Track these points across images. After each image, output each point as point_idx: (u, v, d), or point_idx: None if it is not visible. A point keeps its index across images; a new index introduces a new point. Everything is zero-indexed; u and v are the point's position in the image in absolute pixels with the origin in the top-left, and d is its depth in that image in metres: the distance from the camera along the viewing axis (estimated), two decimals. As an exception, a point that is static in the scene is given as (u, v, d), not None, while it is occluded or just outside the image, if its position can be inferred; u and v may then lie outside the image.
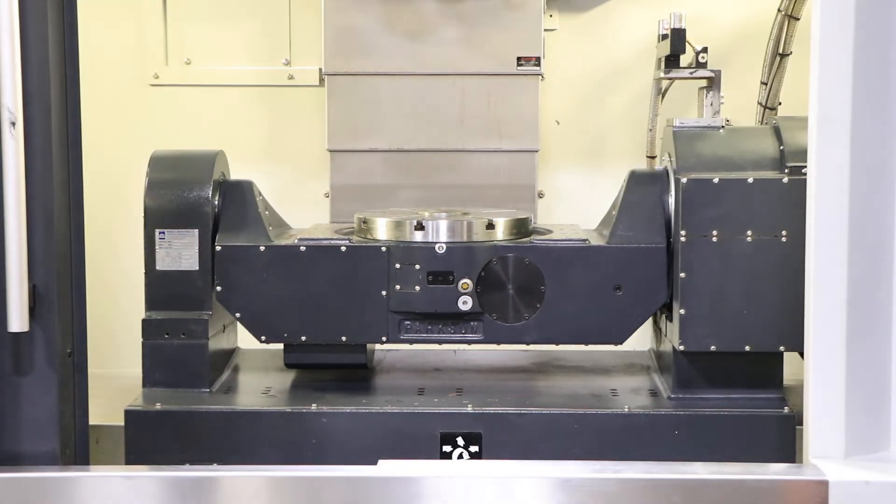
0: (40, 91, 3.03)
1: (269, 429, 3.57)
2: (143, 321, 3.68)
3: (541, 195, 4.46)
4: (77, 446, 3.19)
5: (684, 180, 3.49)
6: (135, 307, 3.75)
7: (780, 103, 4.26)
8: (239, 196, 3.78)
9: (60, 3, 3.09)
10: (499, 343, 3.79)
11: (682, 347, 3.53)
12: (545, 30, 4.39)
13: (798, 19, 4.13)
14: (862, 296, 3.03)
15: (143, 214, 3.68)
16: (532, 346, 4.00)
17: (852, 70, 2.98)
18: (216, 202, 3.73)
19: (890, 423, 3.08)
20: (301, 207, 4.36)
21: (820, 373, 3.06)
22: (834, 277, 3.02)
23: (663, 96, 4.51)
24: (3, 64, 2.94)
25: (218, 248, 3.66)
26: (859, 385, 3.06)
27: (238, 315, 3.73)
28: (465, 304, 3.60)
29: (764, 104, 4.28)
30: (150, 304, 3.70)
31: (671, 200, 3.60)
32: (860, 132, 3.00)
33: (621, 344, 3.75)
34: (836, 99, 3.00)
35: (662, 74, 4.42)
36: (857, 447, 3.04)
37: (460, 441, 3.50)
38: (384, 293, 3.63)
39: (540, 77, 4.35)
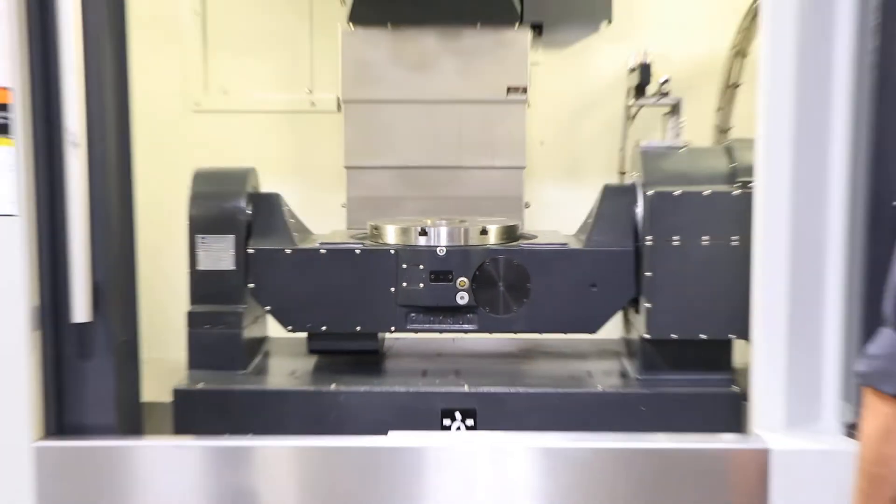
0: (98, 117, 3.05)
1: (294, 405, 3.59)
2: (188, 313, 3.70)
3: (527, 205, 4.47)
4: (131, 419, 3.22)
5: (650, 193, 3.52)
6: (178, 302, 3.76)
7: (731, 127, 4.29)
8: (268, 206, 3.80)
9: (115, 42, 3.13)
10: (491, 332, 3.81)
11: (647, 336, 3.56)
12: (531, 64, 4.40)
13: (746, 55, 4.17)
14: (799, 291, 3.08)
15: (186, 223, 3.70)
16: (519, 335, 4.01)
17: (793, 99, 3.04)
18: (249, 212, 3.75)
19: (821, 400, 3.11)
20: (321, 216, 4.34)
21: (763, 356, 3.12)
22: (776, 275, 3.08)
23: (632, 121, 4.54)
24: (67, 95, 2.97)
25: (250, 251, 3.69)
26: (796, 367, 3.10)
27: (268, 308, 3.74)
28: (462, 298, 3.63)
29: (718, 128, 4.32)
30: (194, 299, 3.72)
31: (639, 210, 3.62)
32: (799, 152, 3.05)
33: (595, 333, 3.76)
34: (779, 124, 3.05)
35: (631, 102, 4.46)
36: (794, 420, 3.10)
37: (458, 416, 3.52)
38: (393, 289, 3.65)
39: (526, 104, 4.36)
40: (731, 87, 4.26)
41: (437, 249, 3.66)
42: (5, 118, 2.95)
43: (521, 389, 3.60)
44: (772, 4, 3.05)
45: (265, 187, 3.93)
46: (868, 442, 2.19)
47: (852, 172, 3.03)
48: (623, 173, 4.59)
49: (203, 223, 3.72)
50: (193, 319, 3.73)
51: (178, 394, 3.58)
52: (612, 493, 3.05)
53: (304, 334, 3.86)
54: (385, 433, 3.13)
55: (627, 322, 3.97)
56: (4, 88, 2.94)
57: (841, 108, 3.05)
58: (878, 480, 2.18)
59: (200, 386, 3.62)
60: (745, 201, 3.27)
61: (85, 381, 3.14)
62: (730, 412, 3.47)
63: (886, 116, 2.87)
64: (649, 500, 3.07)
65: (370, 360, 3.93)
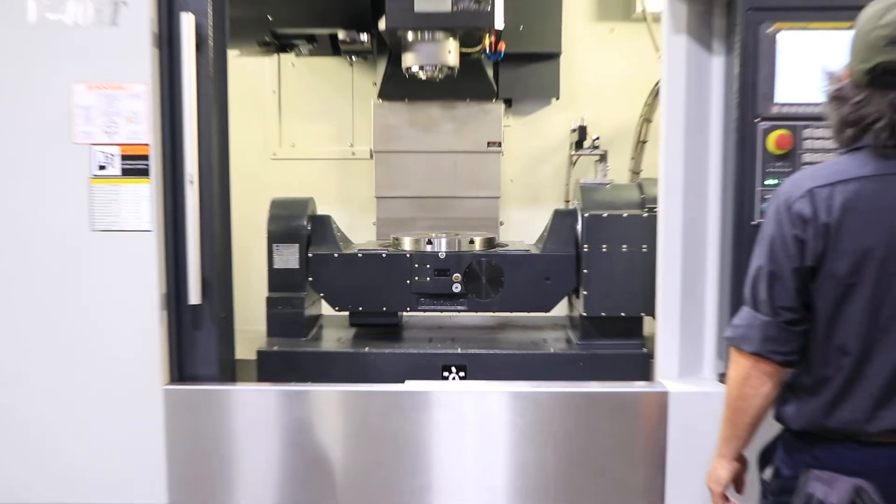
0: (207, 163, 3.06)
1: (339, 362, 3.60)
2: (267, 298, 3.71)
3: (501, 224, 4.47)
4: (228, 371, 3.23)
5: (586, 215, 3.52)
6: (260, 290, 3.75)
7: (641, 170, 4.27)
8: (322, 224, 3.79)
9: (219, 111, 3.12)
10: (476, 311, 3.80)
11: (585, 314, 3.56)
12: (504, 126, 4.42)
13: (651, 121, 4.15)
14: (688, 282, 3.11)
15: (266, 235, 3.72)
16: (496, 313, 3.99)
17: (683, 152, 3.07)
18: (308, 228, 3.75)
19: (702, 357, 3.14)
20: (359, 231, 4.35)
21: (663, 328, 3.14)
22: (672, 272, 3.11)
23: (574, 165, 4.53)
24: (186, 148, 2.99)
25: (310, 255, 3.69)
26: (686, 335, 3.12)
27: (322, 294, 3.76)
28: (457, 288, 3.65)
29: (632, 171, 4.30)
30: (271, 288, 3.73)
31: (579, 227, 3.61)
32: (687, 188, 3.08)
33: (549, 311, 3.78)
34: (673, 168, 3.08)
35: (573, 153, 4.45)
36: (684, 371, 3.13)
37: (453, 370, 3.54)
38: (408, 281, 3.66)
39: (500, 154, 4.38)
40: (640, 143, 4.24)
41: (439, 254, 3.68)
42: (146, 165, 2.97)
43: (497, 351, 3.62)
44: (668, 88, 3.06)
45: (320, 211, 3.92)
46: (732, 384, 2.23)
47: (723, 202, 3.05)
48: (567, 201, 4.57)
49: (277, 236, 3.73)
50: (270, 302, 3.74)
51: (260, 354, 3.60)
52: (561, 423, 3.04)
53: (346, 312, 3.86)
54: (403, 382, 3.14)
55: (571, 304, 3.94)
56: (146, 144, 2.97)
57: (714, 158, 3.07)
58: (740, 410, 2.23)
59: (275, 348, 3.63)
60: (652, 221, 3.25)
61: (196, 345, 3.13)
62: (641, 367, 3.48)
63: (744, 165, 2.87)
64: (586, 428, 3.05)
65: (392, 331, 3.92)
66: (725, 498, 2.36)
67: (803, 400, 2.18)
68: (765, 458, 2.36)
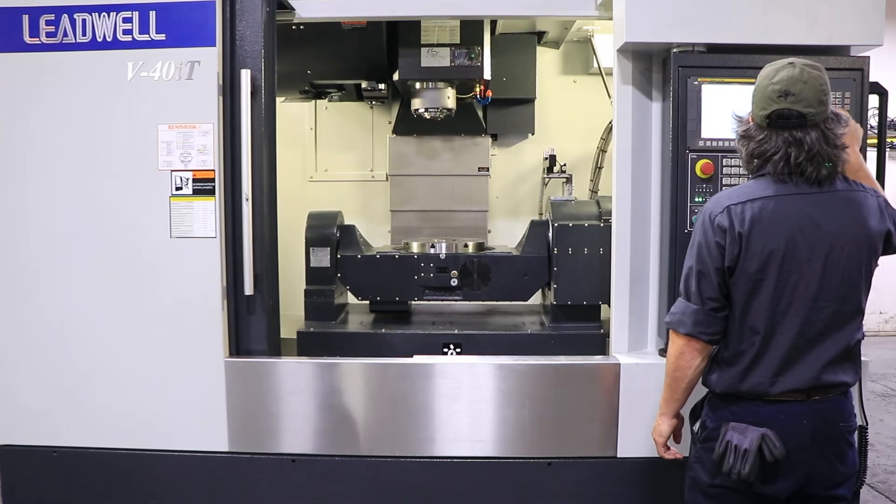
0: (259, 184, 3.08)
1: (362, 341, 3.56)
2: (305, 290, 3.69)
3: (489, 231, 4.44)
4: (275, 347, 3.20)
5: (556, 225, 3.49)
6: (300, 283, 3.72)
7: (598, 189, 4.23)
8: (348, 232, 3.76)
9: (269, 144, 3.12)
10: (470, 301, 3.77)
11: (555, 302, 3.53)
12: (491, 154, 4.41)
13: (606, 151, 4.12)
14: (635, 278, 3.11)
15: (304, 241, 3.69)
16: (485, 302, 3.97)
17: (630, 175, 3.07)
18: (337, 235, 3.71)
19: (647, 337, 3.14)
20: (377, 238, 4.34)
21: (616, 312, 3.14)
22: (623, 269, 3.11)
23: (546, 186, 4.50)
24: (243, 173, 3.02)
25: (339, 256, 3.67)
26: (633, 318, 3.12)
27: (348, 287, 3.74)
28: (454, 282, 3.62)
29: (591, 190, 4.26)
30: (308, 281, 3.70)
31: (550, 234, 3.55)
32: (634, 203, 3.09)
33: (527, 300, 3.75)
34: (623, 188, 3.08)
35: (545, 176, 4.44)
36: (632, 347, 3.13)
37: (452, 346, 3.50)
38: (416, 277, 3.64)
39: (489, 177, 4.36)
40: (598, 168, 4.21)
41: (440, 255, 3.66)
42: (212, 186, 3.01)
43: (486, 332, 3.58)
44: (618, 126, 3.07)
45: (346, 222, 3.88)
46: (671, 359, 2.27)
47: (661, 214, 3.06)
48: (541, 214, 4.52)
49: (313, 241, 3.69)
50: (308, 293, 3.70)
51: (300, 334, 3.57)
52: (535, 388, 3.04)
53: (367, 301, 3.83)
54: (412, 356, 3.15)
55: (544, 294, 3.90)
56: (212, 170, 3.01)
57: (654, 181, 3.09)
58: (677, 379, 2.27)
59: (311, 329, 3.60)
60: (607, 230, 3.25)
61: (250, 326, 3.13)
62: (599, 344, 3.45)
63: (677, 186, 2.90)
64: (555, 392, 3.05)
65: (403, 316, 3.88)
66: (667, 447, 2.42)
67: (724, 369, 2.22)
68: (694, 414, 2.40)
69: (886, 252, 2.22)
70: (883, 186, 2.94)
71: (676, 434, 2.42)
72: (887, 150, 3.70)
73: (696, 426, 2.36)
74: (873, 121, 3.27)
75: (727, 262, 2.14)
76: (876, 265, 2.19)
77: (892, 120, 7.59)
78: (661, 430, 2.38)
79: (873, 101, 3.01)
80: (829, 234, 2.10)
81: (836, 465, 2.16)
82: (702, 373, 2.26)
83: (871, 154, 2.99)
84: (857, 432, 2.26)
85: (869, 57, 2.91)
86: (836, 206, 2.13)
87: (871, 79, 2.90)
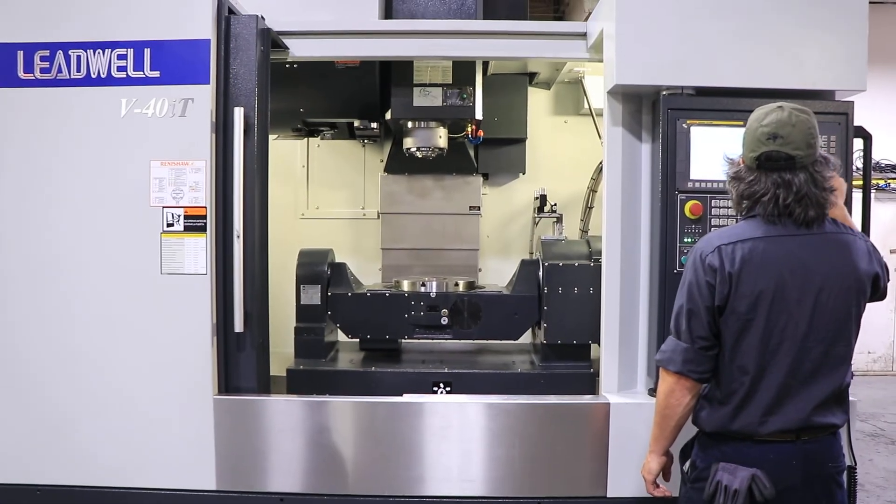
0: (251, 221, 3.07)
1: (352, 379, 3.55)
2: (295, 328, 3.67)
3: (479, 270, 4.43)
4: (264, 385, 3.17)
5: (546, 264, 3.50)
6: (289, 321, 3.71)
7: (588, 230, 4.21)
8: (339, 270, 3.76)
9: (261, 181, 3.12)
10: (460, 339, 3.77)
11: (545, 341, 3.53)
12: (482, 194, 4.42)
13: (596, 191, 4.11)
14: (625, 318, 3.11)
15: (295, 278, 3.68)
16: (475, 341, 3.97)
17: (620, 216, 3.09)
18: (328, 272, 3.71)
19: (637, 376, 3.13)
20: (368, 276, 4.31)
21: (606, 351, 3.13)
22: (613, 309, 3.11)
23: (536, 225, 4.49)
24: (235, 210, 3.00)
25: (329, 294, 3.66)
26: (624, 358, 3.11)
27: (338, 325, 3.72)
28: (444, 320, 3.61)
29: (582, 230, 4.25)
30: (298, 319, 3.68)
31: (541, 273, 3.58)
32: (624, 244, 3.09)
33: (517, 339, 3.74)
34: (613, 229, 3.09)
35: (536, 215, 4.41)
36: (622, 387, 3.12)
37: (442, 385, 3.50)
38: (406, 315, 3.63)
39: (480, 216, 4.36)
40: (588, 208, 4.22)
41: (431, 293, 3.66)
42: (203, 223, 3.00)
43: (475, 370, 3.58)
44: (608, 166, 3.10)
45: (337, 259, 3.89)
46: (661, 396, 2.27)
47: (650, 254, 3.07)
48: (531, 253, 4.51)
49: (304, 278, 3.68)
50: (298, 331, 3.69)
51: (290, 371, 3.55)
52: (525, 428, 3.03)
53: (357, 339, 3.83)
54: (401, 395, 3.13)
55: (534, 333, 3.89)
56: (204, 207, 3.01)
57: (644, 221, 3.10)
58: (667, 417, 2.27)
59: (301, 367, 3.58)
60: (597, 269, 3.24)
61: (240, 363, 3.11)
62: (589, 383, 3.45)
63: (667, 226, 2.92)
64: (545, 431, 3.03)
65: (393, 354, 3.87)
66: (656, 485, 2.40)
67: (714, 408, 2.22)
68: (685, 453, 2.39)
69: (873, 297, 2.24)
70: (869, 225, 2.97)
71: (665, 472, 2.40)
72: (872, 191, 3.74)
73: (686, 466, 2.35)
74: (858, 163, 3.30)
75: (717, 302, 2.15)
76: (864, 308, 2.21)
77: (877, 162, 7.71)
78: (650, 468, 2.37)
79: (858, 144, 3.06)
80: (818, 275, 2.12)
81: (826, 506, 2.14)
82: (691, 411, 2.26)
83: (857, 195, 3.05)
84: (844, 472, 2.25)
85: (853, 101, 2.97)
86: (826, 248, 2.15)
87: (856, 122, 2.95)
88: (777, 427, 2.13)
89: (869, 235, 3.06)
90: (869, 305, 2.24)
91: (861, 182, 3.18)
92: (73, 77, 3.03)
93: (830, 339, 2.13)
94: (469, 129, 4.08)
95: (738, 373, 2.15)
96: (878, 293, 2.24)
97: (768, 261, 2.12)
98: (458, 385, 3.49)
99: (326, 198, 4.66)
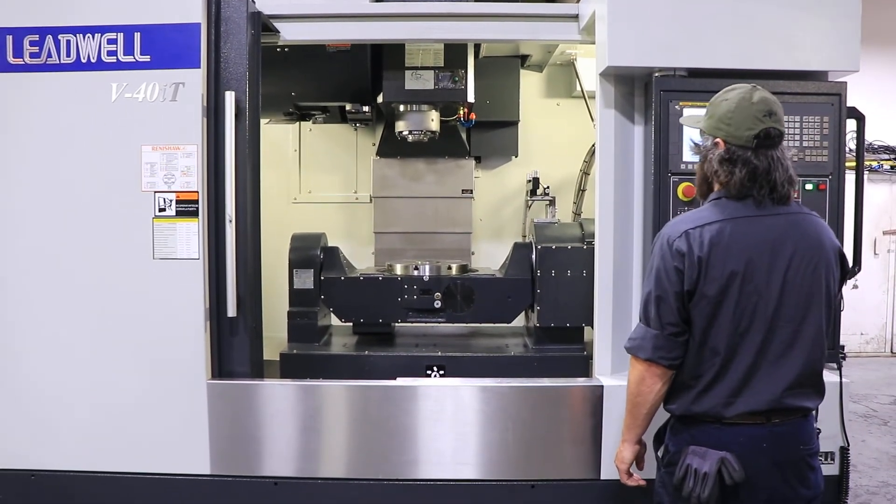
0: (243, 206, 3.07)
1: (346, 363, 3.54)
2: (288, 312, 3.67)
3: (472, 254, 4.42)
4: (257, 369, 3.18)
5: (539, 247, 3.50)
6: (283, 305, 3.70)
7: (581, 212, 4.23)
8: (332, 254, 3.75)
9: (253, 167, 3.12)
10: (453, 323, 3.76)
11: (538, 324, 3.53)
12: (475, 177, 4.40)
13: (589, 174, 4.10)
14: (618, 300, 3.11)
15: (288, 262, 3.68)
16: (469, 324, 3.96)
17: (612, 199, 3.09)
18: (321, 256, 3.70)
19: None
20: (361, 259, 4.31)
21: (599, 334, 3.14)
22: (605, 293, 3.11)
23: (529, 208, 4.49)
24: (227, 194, 3.01)
25: (322, 278, 3.66)
26: (616, 340, 3.07)
27: (331, 309, 3.72)
28: (437, 304, 3.62)
29: (574, 212, 4.26)
30: (291, 303, 3.68)
31: (534, 257, 3.57)
32: (616, 227, 3.10)
33: (510, 322, 3.74)
34: (606, 211, 3.09)
35: (528, 198, 4.42)
36: (615, 369, 3.11)
37: (435, 369, 3.49)
38: (399, 299, 3.63)
39: (472, 199, 4.34)
40: (581, 191, 4.22)
41: (424, 277, 3.65)
42: (195, 207, 3.01)
43: (469, 354, 3.57)
44: (601, 149, 3.10)
45: (330, 243, 3.88)
46: (632, 384, 2.26)
47: (644, 237, 3.07)
48: (524, 236, 4.53)
49: (297, 262, 3.68)
50: (291, 315, 3.69)
51: (283, 356, 3.55)
52: (519, 411, 3.04)
53: (350, 323, 3.82)
54: (395, 378, 3.13)
55: (527, 317, 3.90)
56: (196, 192, 3.01)
57: (637, 203, 3.10)
58: (638, 405, 2.26)
59: (294, 351, 3.59)
60: (590, 252, 3.24)
61: (233, 348, 3.11)
62: (582, 366, 3.45)
63: (660, 208, 2.92)
64: (538, 414, 3.04)
65: (386, 338, 3.86)
66: (630, 474, 2.39)
67: (680, 392, 2.21)
68: (658, 438, 2.39)
69: (842, 274, 2.24)
70: (861, 206, 2.97)
71: (639, 460, 2.40)
72: (865, 172, 3.74)
73: (660, 451, 2.35)
74: (852, 144, 3.30)
75: (686, 287, 2.13)
76: (836, 286, 2.21)
77: (870, 143, 7.71)
78: (623, 457, 2.36)
79: (851, 125, 3.06)
80: (785, 254, 2.12)
81: (798, 489, 2.15)
82: (663, 398, 2.25)
83: (850, 176, 3.06)
84: (818, 454, 2.23)
85: (846, 82, 2.96)
86: (793, 227, 2.15)
87: (849, 103, 2.95)
88: (744, 409, 2.12)
89: (861, 217, 3.10)
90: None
91: (854, 163, 3.19)
92: (62, 62, 3.02)
93: (800, 319, 2.12)
94: (461, 112, 4.07)
95: (708, 355, 2.14)
96: (845, 272, 2.25)
97: (737, 242, 2.11)
98: (451, 368, 3.49)
99: (319, 182, 4.65)
